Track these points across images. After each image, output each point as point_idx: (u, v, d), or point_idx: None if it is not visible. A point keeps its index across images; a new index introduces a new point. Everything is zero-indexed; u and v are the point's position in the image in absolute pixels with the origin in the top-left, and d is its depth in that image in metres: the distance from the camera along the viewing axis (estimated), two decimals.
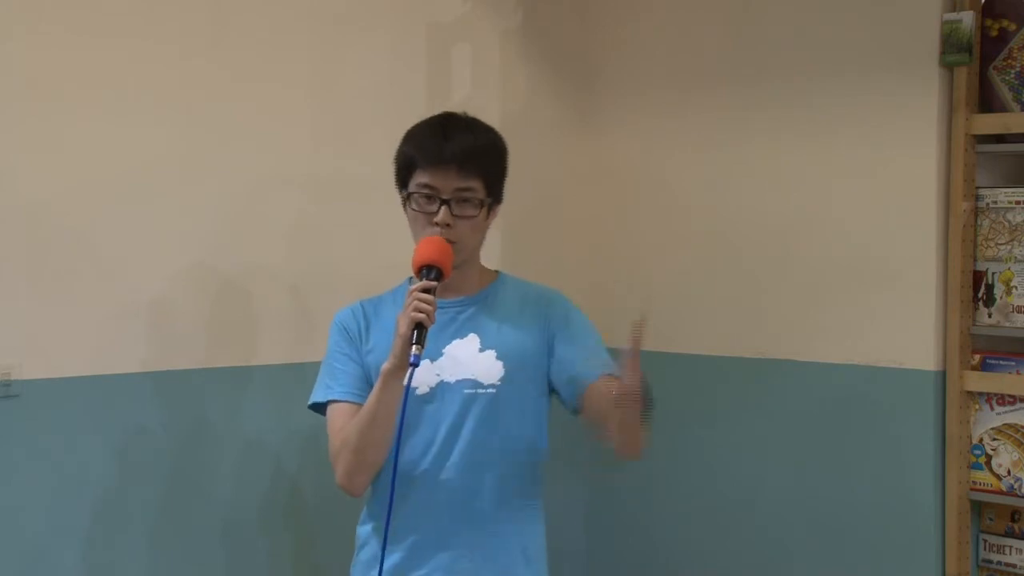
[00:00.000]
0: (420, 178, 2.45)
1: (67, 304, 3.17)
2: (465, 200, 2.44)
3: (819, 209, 3.72)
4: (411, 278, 2.53)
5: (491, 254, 4.06)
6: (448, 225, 2.42)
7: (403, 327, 2.32)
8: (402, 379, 2.32)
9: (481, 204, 2.46)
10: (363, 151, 3.52)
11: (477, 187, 2.45)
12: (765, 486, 3.84)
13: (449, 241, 2.42)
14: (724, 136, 3.93)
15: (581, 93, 4.25)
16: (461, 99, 3.97)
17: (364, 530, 2.62)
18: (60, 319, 3.16)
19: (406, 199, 2.49)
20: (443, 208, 2.42)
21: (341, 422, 2.50)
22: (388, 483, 2.40)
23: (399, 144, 2.53)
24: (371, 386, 2.46)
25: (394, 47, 3.79)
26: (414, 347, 2.29)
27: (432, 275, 2.36)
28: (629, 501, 4.17)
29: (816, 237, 3.73)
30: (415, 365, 2.29)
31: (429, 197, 2.44)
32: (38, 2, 3.13)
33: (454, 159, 2.42)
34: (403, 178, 2.50)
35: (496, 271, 2.64)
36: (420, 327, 2.31)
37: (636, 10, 4.16)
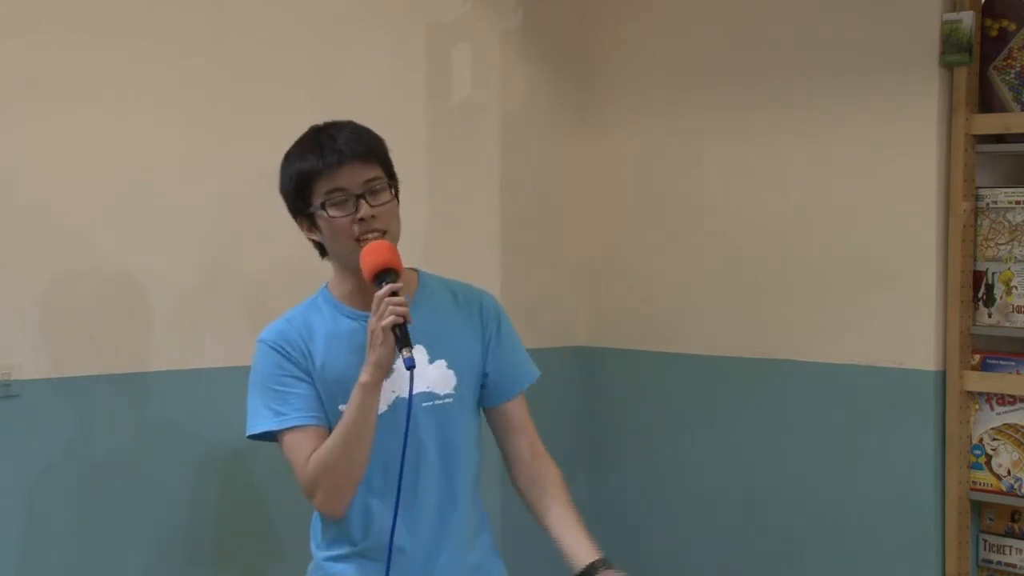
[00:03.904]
0: (325, 186, 2.39)
1: (67, 304, 3.17)
2: (375, 190, 2.39)
3: (819, 209, 3.72)
4: (325, 287, 2.50)
5: (491, 254, 4.15)
6: (373, 217, 2.37)
7: (382, 336, 2.28)
8: (381, 389, 2.33)
9: (390, 187, 2.42)
10: None
11: (380, 173, 2.42)
12: (765, 486, 3.84)
13: (381, 232, 2.38)
14: (724, 136, 3.93)
15: (581, 93, 4.25)
16: (461, 99, 3.98)
17: (330, 555, 2.52)
18: (60, 319, 3.16)
19: (314, 214, 2.42)
20: (361, 203, 2.37)
21: (309, 447, 2.40)
22: (357, 506, 2.43)
23: (281, 174, 2.47)
24: (323, 406, 2.43)
25: (394, 47, 3.79)
26: (404, 350, 2.27)
27: (391, 278, 2.32)
28: (629, 501, 4.17)
29: (816, 237, 3.73)
30: (411, 367, 2.26)
31: (343, 200, 2.39)
32: (38, 2, 3.14)
33: (352, 154, 2.38)
34: (304, 198, 2.42)
35: (414, 269, 2.55)
36: (402, 327, 2.28)
37: (636, 10, 4.15)
